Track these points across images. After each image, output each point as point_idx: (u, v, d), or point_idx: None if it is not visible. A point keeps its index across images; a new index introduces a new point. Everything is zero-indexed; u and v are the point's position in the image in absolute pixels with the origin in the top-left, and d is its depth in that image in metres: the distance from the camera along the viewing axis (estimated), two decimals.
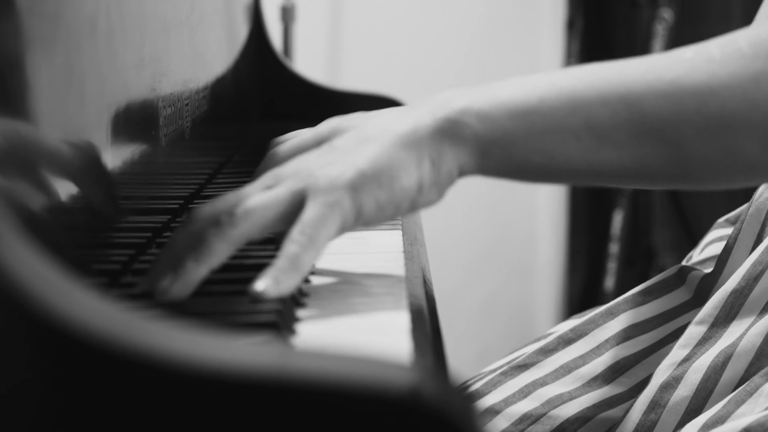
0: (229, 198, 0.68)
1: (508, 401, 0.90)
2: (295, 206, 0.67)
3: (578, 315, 0.97)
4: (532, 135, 0.67)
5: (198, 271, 0.65)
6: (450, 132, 0.68)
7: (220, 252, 0.65)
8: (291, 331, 0.63)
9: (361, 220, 0.67)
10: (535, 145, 0.68)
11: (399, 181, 0.67)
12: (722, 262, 0.87)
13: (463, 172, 0.69)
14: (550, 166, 0.68)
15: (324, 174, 0.67)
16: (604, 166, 0.68)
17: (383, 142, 0.67)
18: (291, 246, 0.65)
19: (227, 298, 0.70)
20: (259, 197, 0.67)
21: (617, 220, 2.29)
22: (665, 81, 0.67)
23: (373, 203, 0.67)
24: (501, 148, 0.68)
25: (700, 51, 0.68)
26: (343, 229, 0.67)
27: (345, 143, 0.69)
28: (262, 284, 0.64)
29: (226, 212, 0.66)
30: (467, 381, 0.96)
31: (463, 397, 0.46)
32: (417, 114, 0.69)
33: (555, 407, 0.88)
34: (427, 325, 0.65)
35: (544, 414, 0.88)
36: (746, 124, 0.66)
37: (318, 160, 0.68)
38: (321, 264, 0.77)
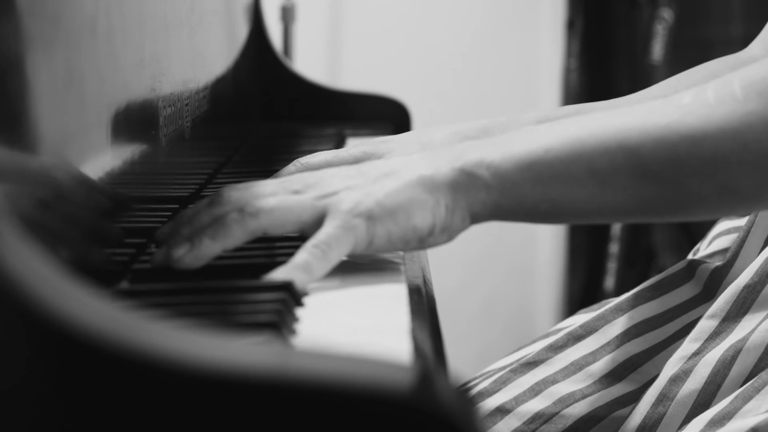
0: (257, 189, 0.73)
1: (519, 400, 0.90)
2: (314, 218, 0.72)
3: (586, 309, 0.97)
4: (539, 184, 0.72)
5: (212, 248, 0.71)
6: (465, 183, 0.72)
7: (236, 237, 0.71)
8: (291, 331, 0.63)
9: (370, 248, 0.72)
10: (542, 193, 0.72)
11: (413, 220, 0.71)
12: (734, 255, 0.87)
13: (475, 219, 0.73)
14: (557, 211, 0.73)
15: (347, 197, 0.72)
16: (608, 208, 0.72)
17: (405, 179, 0.72)
18: (303, 254, 0.70)
19: (228, 297, 0.70)
20: (284, 198, 0.72)
21: None
22: (660, 126, 0.71)
23: (385, 235, 0.71)
24: (511, 198, 0.72)
25: (697, 95, 0.72)
26: (353, 252, 0.71)
27: (372, 171, 0.73)
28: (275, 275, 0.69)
29: (250, 203, 0.71)
30: (474, 379, 0.96)
31: (464, 397, 0.46)
32: (438, 162, 0.73)
33: (567, 406, 0.89)
34: (427, 325, 0.65)
35: (557, 413, 0.89)
36: (739, 164, 0.70)
37: (344, 180, 0.73)
38: None
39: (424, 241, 0.72)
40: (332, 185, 0.73)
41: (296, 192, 0.73)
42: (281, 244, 0.78)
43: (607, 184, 0.71)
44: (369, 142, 0.91)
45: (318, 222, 0.71)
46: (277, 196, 0.72)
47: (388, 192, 0.71)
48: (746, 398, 0.77)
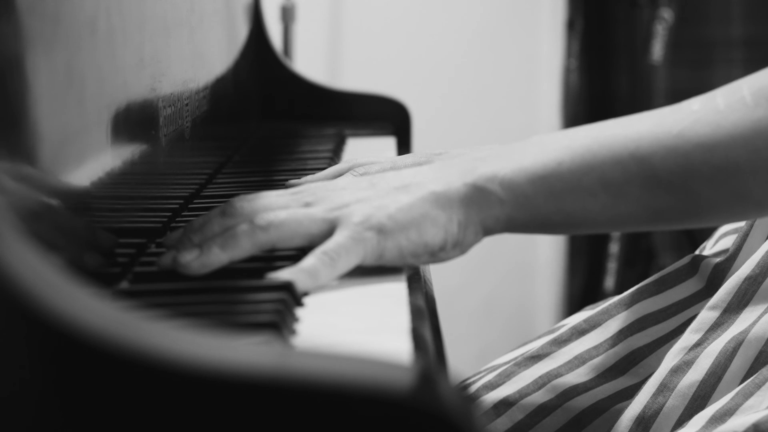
0: (268, 200, 0.73)
1: (523, 393, 0.90)
2: (324, 231, 0.72)
3: (591, 306, 0.97)
4: (551, 197, 0.73)
5: (220, 257, 0.71)
6: (478, 198, 0.73)
7: (245, 249, 0.71)
8: (291, 331, 0.63)
9: (380, 261, 0.72)
10: (555, 206, 0.73)
11: (425, 236, 0.72)
12: (737, 249, 0.88)
13: (488, 233, 0.74)
14: (570, 222, 0.74)
15: (358, 209, 0.72)
16: (621, 218, 0.73)
17: (418, 195, 0.72)
18: (311, 259, 0.70)
19: (228, 297, 0.70)
20: (294, 212, 0.72)
21: None
22: (672, 134, 0.71)
23: (395, 249, 0.72)
24: (524, 211, 0.73)
25: (707, 102, 0.72)
26: (362, 264, 0.71)
27: (383, 184, 0.74)
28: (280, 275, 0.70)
29: (262, 216, 0.71)
30: (478, 373, 0.96)
31: (464, 397, 0.46)
32: (449, 176, 0.73)
33: (570, 399, 0.89)
34: (427, 325, 0.65)
35: (560, 406, 0.89)
36: (751, 170, 0.70)
37: (356, 193, 0.73)
38: None
39: (436, 255, 0.73)
40: (343, 198, 0.73)
41: (307, 204, 0.73)
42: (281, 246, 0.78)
43: (619, 195, 0.72)
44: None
45: (327, 235, 0.72)
46: (288, 209, 0.73)
47: (401, 207, 0.72)
48: (747, 395, 0.76)
